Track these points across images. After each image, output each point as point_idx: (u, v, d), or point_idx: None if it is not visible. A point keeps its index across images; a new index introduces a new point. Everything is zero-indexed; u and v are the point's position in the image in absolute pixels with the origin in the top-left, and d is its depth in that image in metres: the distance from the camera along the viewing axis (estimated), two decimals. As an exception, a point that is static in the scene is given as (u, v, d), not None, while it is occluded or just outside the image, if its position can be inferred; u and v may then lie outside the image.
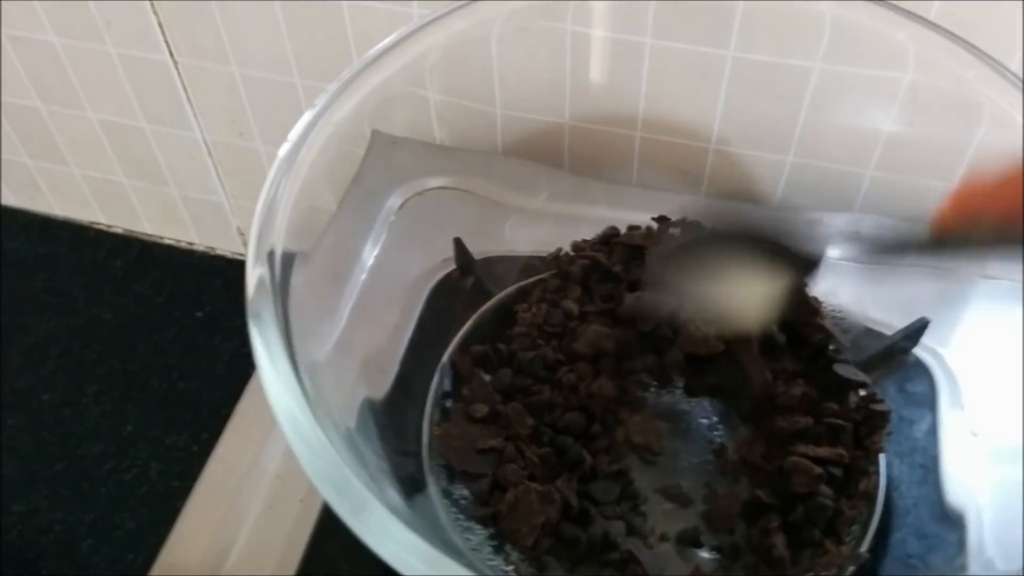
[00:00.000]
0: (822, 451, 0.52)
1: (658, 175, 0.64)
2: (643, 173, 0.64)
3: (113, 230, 0.97)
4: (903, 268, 0.58)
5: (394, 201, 0.58)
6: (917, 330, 0.58)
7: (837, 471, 0.52)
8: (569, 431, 0.54)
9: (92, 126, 0.85)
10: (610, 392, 0.55)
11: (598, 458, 0.54)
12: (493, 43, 0.57)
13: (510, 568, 0.50)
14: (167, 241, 0.96)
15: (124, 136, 0.85)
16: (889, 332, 0.59)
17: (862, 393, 0.55)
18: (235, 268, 0.93)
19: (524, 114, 0.62)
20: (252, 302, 0.40)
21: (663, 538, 0.52)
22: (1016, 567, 0.43)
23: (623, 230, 0.62)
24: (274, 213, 0.43)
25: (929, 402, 0.56)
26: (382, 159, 0.55)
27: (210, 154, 0.84)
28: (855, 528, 0.52)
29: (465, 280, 0.62)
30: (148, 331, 0.88)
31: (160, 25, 0.73)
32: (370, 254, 0.55)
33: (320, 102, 0.48)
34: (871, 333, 0.59)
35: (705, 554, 0.52)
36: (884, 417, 0.54)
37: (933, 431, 0.55)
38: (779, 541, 0.49)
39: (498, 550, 0.51)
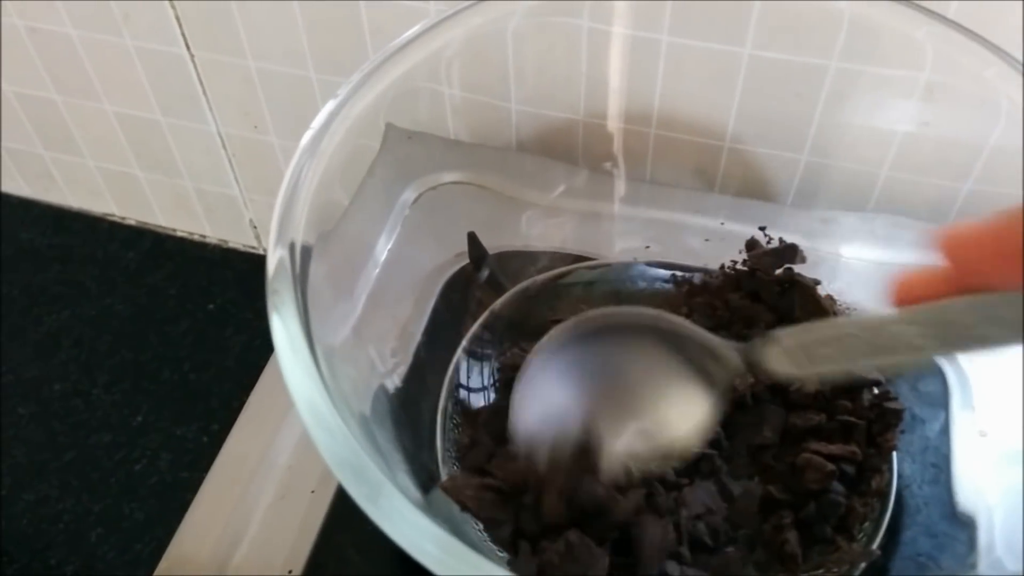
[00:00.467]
0: (835, 448, 0.52)
1: (672, 172, 0.64)
2: (657, 170, 0.64)
3: (127, 222, 0.98)
4: (917, 267, 0.58)
5: (408, 195, 0.58)
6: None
7: (850, 468, 0.52)
8: None
9: (108, 118, 0.85)
10: None
11: None
12: (510, 39, 0.57)
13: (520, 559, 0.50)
14: (180, 233, 0.96)
15: (139, 128, 0.85)
16: (902, 332, 0.59)
17: (875, 391, 0.55)
18: (248, 261, 0.93)
19: (539, 110, 0.63)
20: (272, 283, 0.40)
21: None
22: (1025, 568, 0.43)
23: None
24: (296, 199, 0.43)
25: (942, 401, 0.56)
26: (397, 153, 0.55)
27: (225, 147, 0.84)
28: (867, 525, 0.52)
29: (479, 274, 0.62)
30: (160, 323, 0.88)
31: (177, 19, 0.74)
32: (384, 248, 0.55)
33: (343, 92, 0.48)
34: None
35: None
36: (897, 415, 0.54)
37: (945, 430, 0.55)
38: (792, 537, 0.49)
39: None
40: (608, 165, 0.64)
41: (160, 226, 0.97)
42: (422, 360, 0.56)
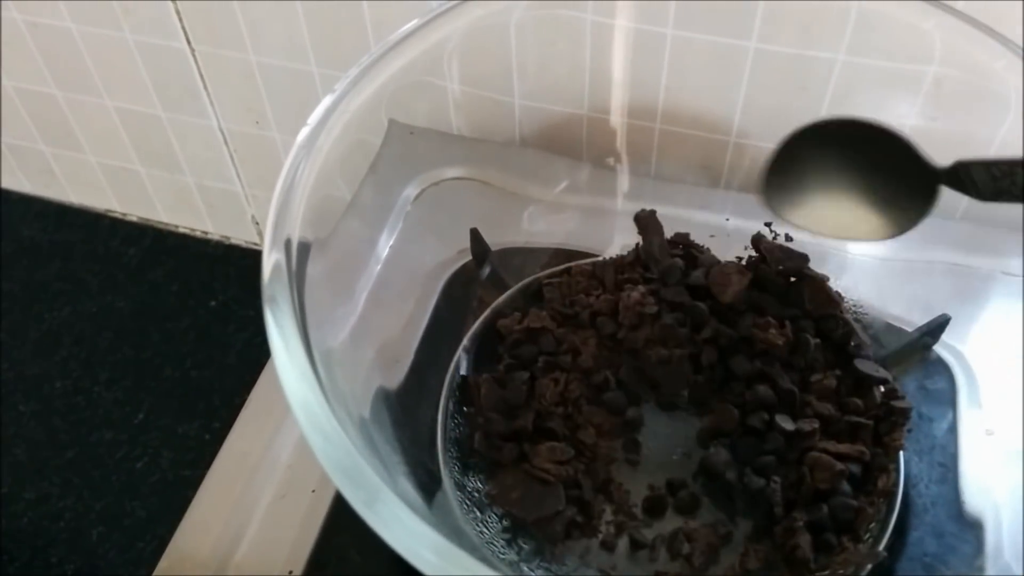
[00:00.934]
0: (843, 447, 0.51)
1: (677, 167, 0.64)
2: (662, 165, 0.64)
3: (128, 218, 0.97)
4: (924, 264, 0.57)
5: (411, 191, 0.58)
6: (938, 326, 0.57)
7: (856, 468, 0.51)
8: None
9: (108, 113, 0.85)
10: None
11: None
12: (512, 32, 0.56)
13: (522, 561, 0.50)
14: (182, 229, 0.96)
15: (140, 124, 0.85)
16: (910, 328, 0.58)
17: (882, 389, 0.55)
18: (249, 257, 0.93)
19: (542, 104, 0.62)
20: (268, 287, 0.39)
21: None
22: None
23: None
24: (292, 198, 0.43)
25: (949, 399, 0.56)
26: (399, 148, 0.54)
27: (226, 142, 0.84)
28: (873, 526, 0.51)
29: (481, 271, 0.61)
30: (161, 319, 0.88)
31: (178, 12, 0.73)
32: (386, 244, 0.55)
33: (340, 87, 0.47)
34: (892, 329, 0.59)
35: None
36: (904, 414, 0.54)
37: (953, 429, 0.55)
38: (804, 542, 0.48)
39: (511, 543, 0.51)
40: (611, 160, 0.64)
41: (161, 222, 0.96)
42: (423, 359, 0.56)
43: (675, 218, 0.62)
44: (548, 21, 0.57)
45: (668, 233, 0.61)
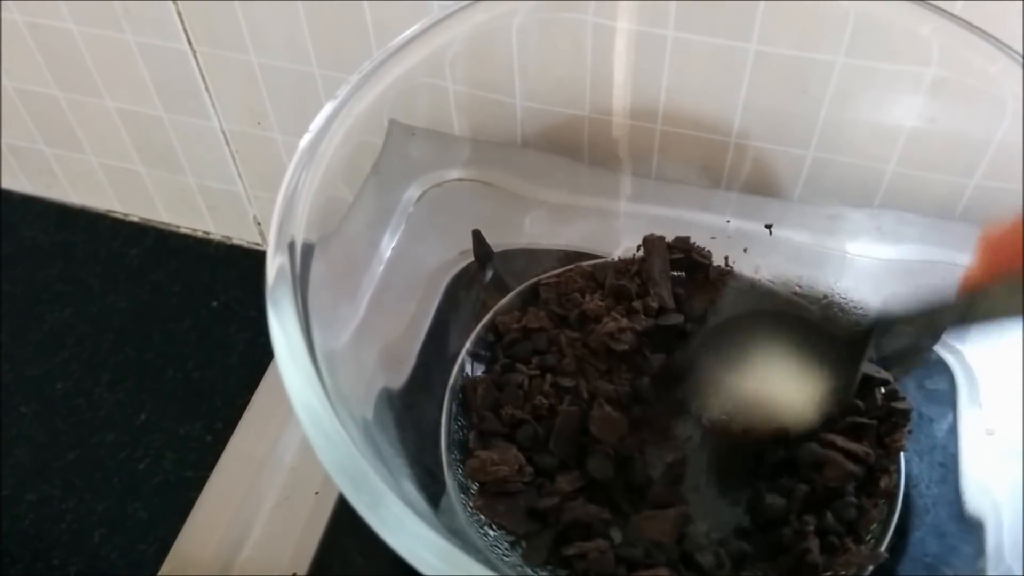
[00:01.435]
0: (852, 445, 0.51)
1: (678, 169, 0.64)
2: (663, 166, 0.64)
3: (129, 219, 0.97)
4: (924, 264, 0.57)
5: (412, 192, 0.58)
6: (938, 327, 0.57)
7: (859, 469, 0.51)
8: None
9: (110, 114, 0.85)
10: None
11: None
12: (514, 35, 0.56)
13: (526, 565, 0.50)
14: (183, 230, 0.96)
15: (141, 124, 0.85)
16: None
17: (883, 390, 0.55)
18: (251, 257, 0.93)
19: (544, 106, 0.62)
20: (272, 291, 0.39)
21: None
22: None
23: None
24: (295, 204, 0.43)
25: (949, 400, 0.56)
26: (400, 150, 0.54)
27: (228, 143, 0.84)
28: (875, 527, 0.51)
29: (483, 273, 0.61)
30: (163, 320, 0.88)
31: (179, 13, 0.73)
32: (388, 245, 0.55)
33: (341, 93, 0.47)
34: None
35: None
36: (905, 415, 0.54)
37: (953, 429, 0.55)
38: (814, 546, 0.48)
39: (515, 546, 0.51)
40: (613, 162, 0.64)
41: (163, 223, 0.96)
42: (426, 361, 0.56)
43: (676, 220, 0.63)
44: (550, 24, 0.57)
45: (669, 237, 0.61)
